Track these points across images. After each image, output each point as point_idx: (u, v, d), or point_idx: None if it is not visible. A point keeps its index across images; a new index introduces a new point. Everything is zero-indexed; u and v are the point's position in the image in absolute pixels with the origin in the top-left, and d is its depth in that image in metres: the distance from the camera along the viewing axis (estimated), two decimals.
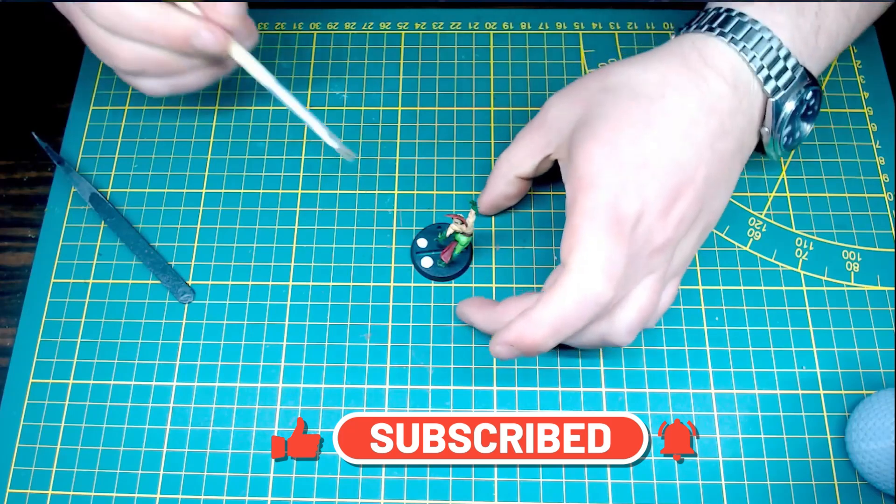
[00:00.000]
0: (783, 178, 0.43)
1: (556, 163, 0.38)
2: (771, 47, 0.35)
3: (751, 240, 0.42)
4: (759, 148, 0.38)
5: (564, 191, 0.35)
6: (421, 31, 0.48)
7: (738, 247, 0.42)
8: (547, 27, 0.48)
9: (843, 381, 0.39)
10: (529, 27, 0.48)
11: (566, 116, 0.36)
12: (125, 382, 0.39)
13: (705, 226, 0.35)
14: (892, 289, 0.41)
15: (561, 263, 0.32)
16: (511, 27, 0.48)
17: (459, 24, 0.48)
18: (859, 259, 0.41)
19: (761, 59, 0.34)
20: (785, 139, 0.37)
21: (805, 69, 0.36)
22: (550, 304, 0.31)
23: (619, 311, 0.33)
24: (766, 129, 0.36)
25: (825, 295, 0.40)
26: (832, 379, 0.39)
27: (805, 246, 0.42)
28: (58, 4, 0.38)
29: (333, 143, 0.37)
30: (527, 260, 0.41)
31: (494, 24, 0.48)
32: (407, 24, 0.48)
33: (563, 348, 0.39)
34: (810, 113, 0.38)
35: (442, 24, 0.48)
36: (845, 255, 0.41)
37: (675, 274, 0.35)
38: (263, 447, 0.38)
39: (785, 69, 0.35)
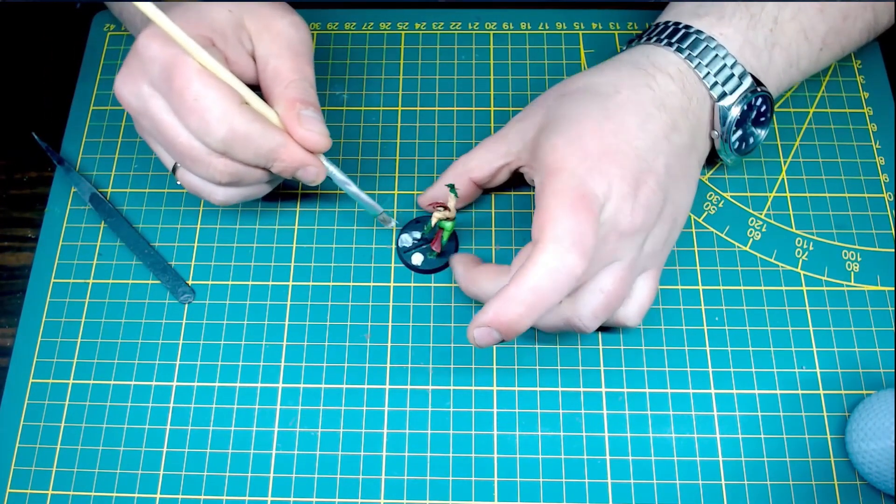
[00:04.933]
0: (783, 178, 0.43)
1: (515, 174, 0.39)
2: (717, 55, 0.37)
3: (751, 240, 0.42)
4: (716, 156, 0.40)
5: None
6: (421, 31, 0.48)
7: (738, 247, 0.42)
8: (547, 27, 0.48)
9: (843, 381, 0.39)
10: (529, 27, 0.48)
11: (527, 124, 0.38)
12: (125, 382, 0.39)
13: (672, 220, 0.36)
14: (892, 289, 0.41)
15: (532, 241, 0.32)
16: (511, 27, 0.48)
17: (459, 24, 0.48)
18: (859, 259, 0.41)
19: (707, 65, 0.37)
20: (736, 144, 0.39)
21: (753, 76, 0.38)
22: (525, 279, 0.31)
23: (583, 294, 0.34)
24: (716, 133, 0.38)
25: (825, 295, 0.40)
26: (832, 379, 0.39)
27: (805, 246, 0.42)
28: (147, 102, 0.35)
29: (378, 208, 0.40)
30: None
31: (494, 24, 0.48)
32: (407, 24, 0.48)
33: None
34: (763, 119, 0.40)
35: (442, 24, 0.48)
36: (845, 255, 0.41)
37: (647, 267, 0.36)
38: (263, 447, 0.38)
39: (731, 76, 0.37)
